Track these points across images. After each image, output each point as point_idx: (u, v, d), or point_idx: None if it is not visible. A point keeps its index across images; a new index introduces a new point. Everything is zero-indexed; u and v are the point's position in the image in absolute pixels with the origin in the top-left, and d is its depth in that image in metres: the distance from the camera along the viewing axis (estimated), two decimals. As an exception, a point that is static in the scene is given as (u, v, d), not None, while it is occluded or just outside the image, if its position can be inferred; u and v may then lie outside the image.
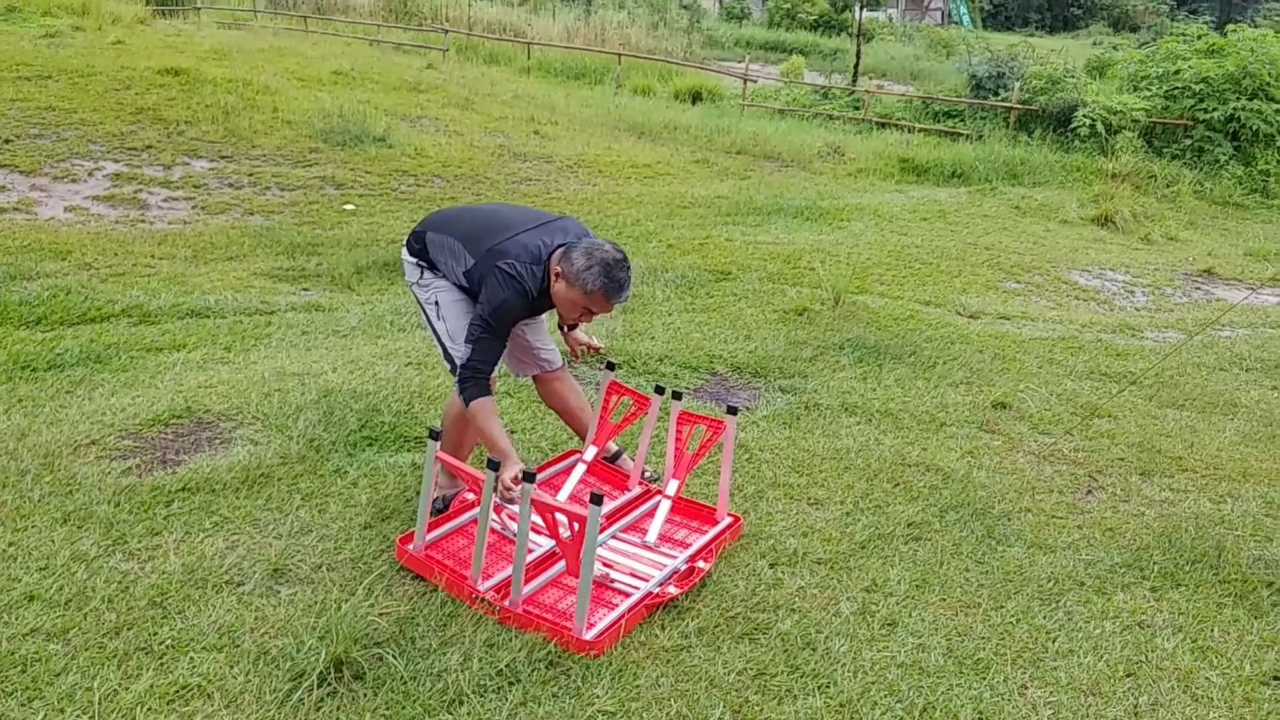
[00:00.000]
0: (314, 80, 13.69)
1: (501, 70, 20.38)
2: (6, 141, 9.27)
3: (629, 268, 2.88)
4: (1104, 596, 3.11)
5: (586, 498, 3.22)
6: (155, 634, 2.55)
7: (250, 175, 9.47)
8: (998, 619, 2.94)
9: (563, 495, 3.38)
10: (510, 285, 2.86)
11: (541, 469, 3.54)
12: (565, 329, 3.34)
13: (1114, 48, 31.79)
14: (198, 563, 2.88)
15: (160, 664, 2.44)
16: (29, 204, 7.93)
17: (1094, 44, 39.69)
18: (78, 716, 2.25)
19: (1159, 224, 11.16)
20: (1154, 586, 3.18)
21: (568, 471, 3.53)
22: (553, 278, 2.92)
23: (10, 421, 3.84)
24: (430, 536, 2.97)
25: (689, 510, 3.40)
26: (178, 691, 2.35)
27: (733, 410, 3.33)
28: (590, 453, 3.53)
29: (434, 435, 2.82)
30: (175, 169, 9.33)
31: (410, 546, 2.92)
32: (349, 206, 8.96)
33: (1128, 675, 2.71)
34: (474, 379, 2.90)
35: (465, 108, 14.08)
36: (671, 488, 3.40)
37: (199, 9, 24.88)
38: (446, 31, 22.42)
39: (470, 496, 3.28)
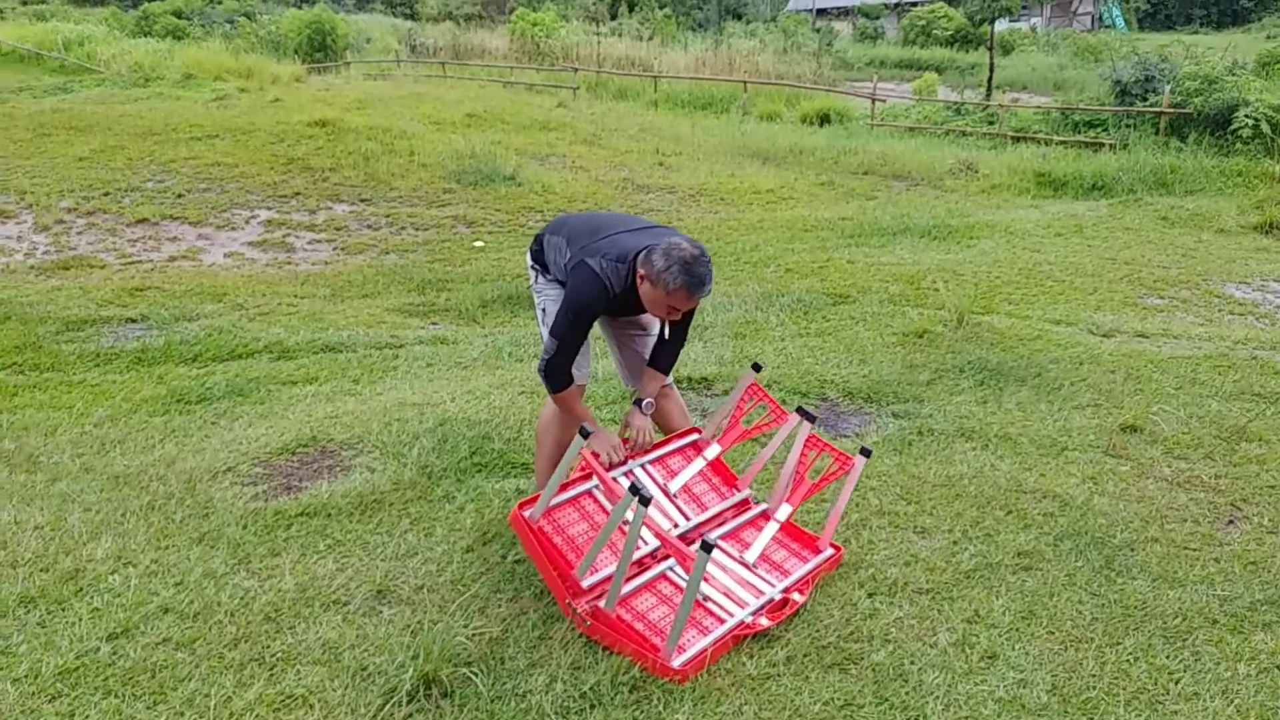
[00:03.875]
0: (448, 123, 14.38)
1: (629, 105, 20.83)
2: (179, 196, 10.18)
3: (708, 263, 2.94)
4: (1240, 636, 2.88)
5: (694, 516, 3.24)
6: (268, 647, 2.75)
7: (387, 216, 10.03)
8: (1112, 656, 2.77)
9: (676, 484, 3.32)
10: (592, 282, 2.99)
11: (658, 445, 3.42)
12: (630, 411, 3.36)
13: (1291, 40, 29.50)
14: (310, 582, 3.07)
15: (270, 674, 2.63)
16: (195, 252, 8.67)
17: (1268, 38, 36.94)
18: (195, 721, 2.45)
19: (1337, 230, 10.26)
20: (1300, 626, 2.93)
21: (686, 458, 3.45)
22: (639, 280, 3.01)
23: (163, 450, 4.22)
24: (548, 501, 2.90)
25: (791, 533, 3.34)
26: (283, 701, 2.52)
27: (866, 452, 3.26)
28: (713, 451, 3.46)
29: (584, 434, 2.88)
30: (319, 213, 10.00)
31: (528, 512, 2.86)
32: (478, 244, 9.34)
33: (1260, 721, 2.50)
34: (557, 372, 3.10)
35: (592, 143, 14.46)
36: (783, 512, 3.35)
37: (349, 64, 26.56)
38: (576, 70, 23.12)
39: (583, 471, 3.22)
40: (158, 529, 3.43)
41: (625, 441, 3.28)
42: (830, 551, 3.26)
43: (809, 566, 3.17)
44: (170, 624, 2.84)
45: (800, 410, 3.40)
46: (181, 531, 3.41)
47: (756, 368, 3.48)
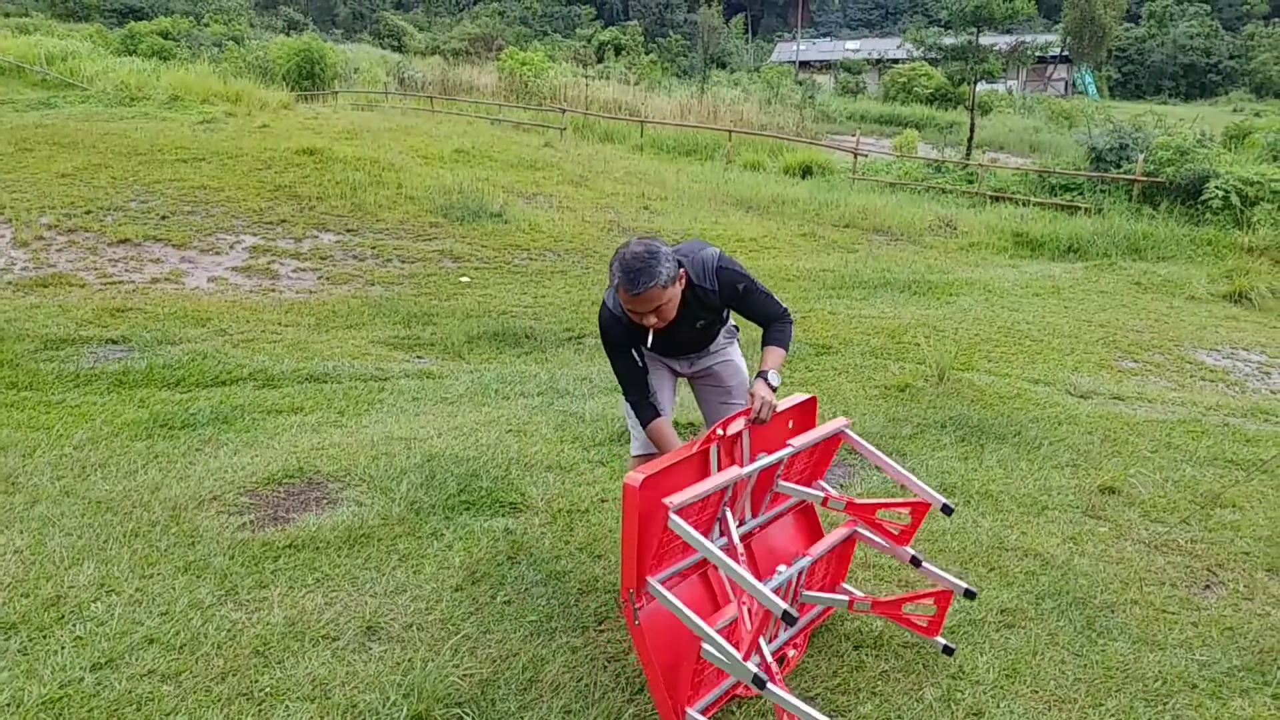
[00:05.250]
0: (436, 158, 14.45)
1: (616, 148, 21.05)
2: (163, 218, 10.12)
3: (650, 257, 2.73)
4: (1219, 701, 2.92)
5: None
6: (256, 681, 2.71)
7: (373, 248, 10.04)
8: (1095, 718, 2.80)
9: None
10: (603, 314, 3.01)
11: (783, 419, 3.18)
12: (755, 383, 3.10)
13: (1256, 115, 30.51)
14: (298, 616, 3.05)
15: (259, 710, 2.59)
16: (178, 275, 8.60)
17: (1234, 111, 38.23)
18: (181, 758, 2.41)
19: (1302, 301, 10.57)
20: (1276, 693, 2.97)
21: (823, 463, 3.30)
22: None
23: (147, 475, 4.17)
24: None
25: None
26: (272, 739, 2.49)
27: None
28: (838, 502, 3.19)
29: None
30: (305, 241, 9.98)
31: (670, 501, 2.54)
32: (465, 279, 9.37)
33: (1239, 786, 2.55)
34: (635, 407, 3.09)
35: (579, 184, 14.58)
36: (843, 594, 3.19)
37: (337, 93, 26.66)
38: (564, 111, 23.34)
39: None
40: (141, 556, 3.38)
41: (747, 412, 3.01)
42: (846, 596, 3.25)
43: (813, 613, 3.16)
44: (156, 655, 2.80)
45: (945, 507, 3.05)
46: (166, 560, 3.37)
47: (947, 510, 3.06)
